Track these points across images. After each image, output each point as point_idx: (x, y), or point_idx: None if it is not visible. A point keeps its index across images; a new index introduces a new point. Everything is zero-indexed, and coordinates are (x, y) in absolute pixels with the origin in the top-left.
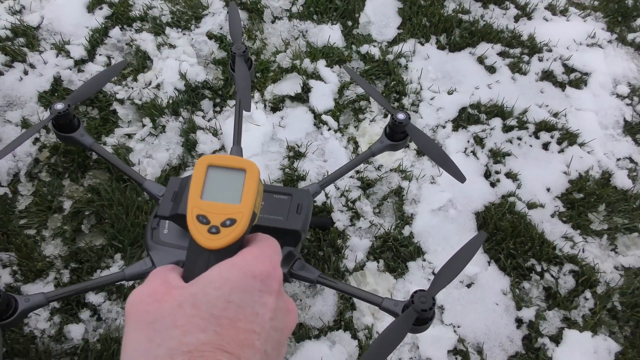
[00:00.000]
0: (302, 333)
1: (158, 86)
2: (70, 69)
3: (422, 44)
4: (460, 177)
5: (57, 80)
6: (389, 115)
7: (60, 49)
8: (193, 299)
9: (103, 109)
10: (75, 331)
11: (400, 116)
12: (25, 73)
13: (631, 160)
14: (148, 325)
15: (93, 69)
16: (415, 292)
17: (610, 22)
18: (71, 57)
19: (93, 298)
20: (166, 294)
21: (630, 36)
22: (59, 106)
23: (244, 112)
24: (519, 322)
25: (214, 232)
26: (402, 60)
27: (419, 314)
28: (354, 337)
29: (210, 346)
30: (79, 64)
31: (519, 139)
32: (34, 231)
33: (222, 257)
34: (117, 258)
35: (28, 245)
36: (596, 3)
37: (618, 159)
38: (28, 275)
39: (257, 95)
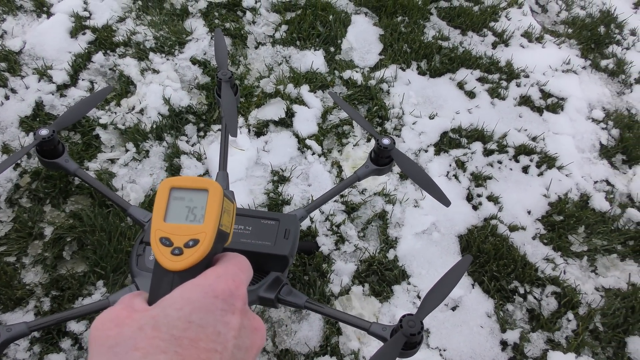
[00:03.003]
0: (288, 359)
1: (142, 111)
2: (53, 94)
3: (404, 70)
4: (445, 201)
5: (39, 105)
6: (374, 140)
7: (43, 73)
8: (153, 321)
9: (86, 133)
10: None
11: (386, 141)
12: (7, 98)
13: (608, 182)
14: (109, 350)
15: (76, 93)
16: (404, 316)
17: (584, 49)
18: (53, 82)
19: (74, 327)
20: (127, 317)
21: (603, 62)
22: (44, 132)
23: (229, 137)
24: (503, 344)
25: (177, 253)
26: (384, 86)
27: (407, 338)
28: None
29: None
30: (62, 88)
31: (500, 162)
32: (14, 258)
33: (187, 278)
34: (99, 285)
35: (7, 273)
36: (570, 31)
37: (595, 182)
38: (7, 304)
39: (241, 120)
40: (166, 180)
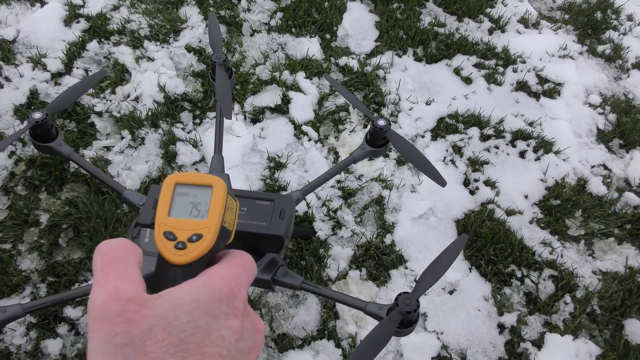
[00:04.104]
0: (285, 343)
1: (137, 98)
2: (47, 82)
3: (400, 56)
4: (441, 182)
5: (33, 94)
6: (370, 122)
7: (37, 62)
8: (164, 322)
9: (81, 121)
10: (53, 346)
11: (381, 122)
12: (1, 86)
13: (605, 167)
14: (117, 350)
15: (70, 82)
16: (400, 294)
17: (580, 35)
18: (48, 70)
19: (71, 312)
20: (137, 313)
21: (600, 48)
22: (37, 115)
23: (225, 123)
24: (501, 327)
25: (180, 247)
26: (381, 72)
27: (403, 316)
28: (338, 346)
29: None
30: (56, 77)
31: (497, 147)
32: (10, 245)
33: (189, 273)
34: None
35: (3, 260)
36: (567, 16)
37: (592, 166)
38: (3, 290)
39: (237, 106)
40: (171, 176)
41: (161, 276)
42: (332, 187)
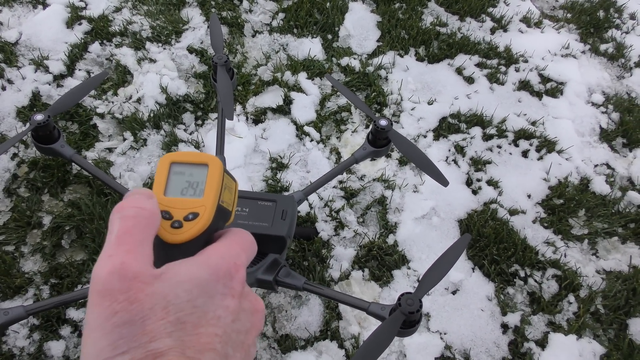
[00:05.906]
0: (288, 344)
1: (139, 100)
2: (49, 84)
3: (402, 56)
4: (444, 181)
5: (35, 96)
6: (372, 122)
7: (39, 64)
8: (165, 301)
9: (83, 123)
10: (56, 348)
11: (383, 122)
12: (3, 89)
13: (608, 166)
14: (114, 329)
15: (72, 83)
16: (402, 294)
17: (583, 34)
18: (50, 72)
19: (74, 314)
20: (140, 291)
21: (602, 47)
22: (39, 117)
23: (227, 123)
24: (504, 327)
25: (176, 226)
26: (382, 72)
27: (406, 316)
28: (341, 346)
29: (173, 352)
30: (58, 79)
31: (499, 147)
32: (12, 247)
33: (186, 252)
34: None
35: (6, 262)
36: (569, 15)
37: (595, 165)
38: (6, 292)
39: (239, 107)
40: (166, 155)
41: (158, 256)
42: (334, 187)
